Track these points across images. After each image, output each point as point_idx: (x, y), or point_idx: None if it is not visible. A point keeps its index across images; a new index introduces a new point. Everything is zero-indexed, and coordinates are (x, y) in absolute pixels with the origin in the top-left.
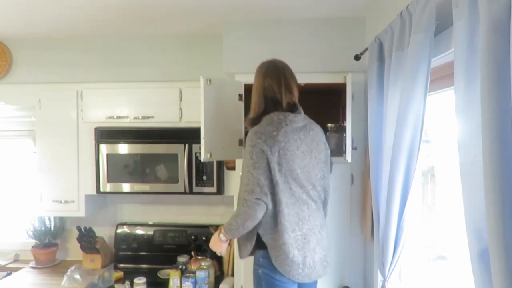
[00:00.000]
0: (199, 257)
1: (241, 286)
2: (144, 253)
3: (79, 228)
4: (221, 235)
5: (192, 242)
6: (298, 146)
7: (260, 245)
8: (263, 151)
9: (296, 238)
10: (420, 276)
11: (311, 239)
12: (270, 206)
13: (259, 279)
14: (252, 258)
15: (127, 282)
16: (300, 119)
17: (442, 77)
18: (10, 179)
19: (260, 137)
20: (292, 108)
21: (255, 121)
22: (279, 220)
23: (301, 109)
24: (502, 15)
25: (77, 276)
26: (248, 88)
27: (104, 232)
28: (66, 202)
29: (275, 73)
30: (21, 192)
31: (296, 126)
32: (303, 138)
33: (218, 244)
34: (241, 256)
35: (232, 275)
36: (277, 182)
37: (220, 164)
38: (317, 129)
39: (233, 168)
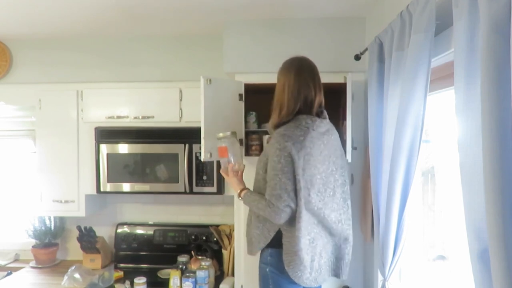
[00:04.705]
0: (199, 257)
1: (241, 286)
2: (144, 253)
3: (79, 228)
4: (240, 193)
5: (192, 242)
6: (321, 152)
7: (269, 243)
8: (291, 155)
9: (306, 243)
10: (420, 276)
11: (318, 243)
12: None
13: (266, 277)
14: (253, 257)
15: (127, 282)
16: (325, 123)
17: (442, 77)
18: (10, 179)
19: (287, 141)
20: (318, 111)
21: (281, 124)
22: (297, 226)
23: (325, 113)
24: (502, 15)
25: (77, 276)
26: (248, 88)
27: (104, 232)
28: (66, 202)
29: (310, 69)
30: (21, 192)
31: (320, 131)
32: (326, 143)
33: (231, 182)
34: (250, 252)
35: (232, 275)
36: (300, 188)
37: (220, 164)
38: (336, 135)
39: None
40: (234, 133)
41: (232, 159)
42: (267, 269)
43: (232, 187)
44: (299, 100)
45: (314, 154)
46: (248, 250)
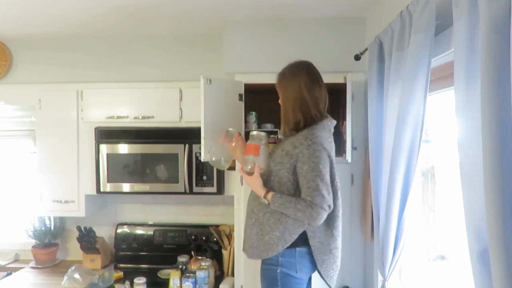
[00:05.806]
0: (199, 257)
1: (241, 286)
2: (144, 253)
3: (79, 228)
4: (266, 196)
5: (192, 242)
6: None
7: None
8: (329, 156)
9: (340, 242)
10: (420, 276)
11: (340, 241)
12: None
13: (274, 279)
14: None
15: (127, 282)
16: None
17: (442, 77)
18: (10, 179)
19: (324, 142)
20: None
21: (305, 126)
22: (335, 225)
23: None
24: (502, 15)
25: (77, 276)
26: (248, 88)
27: (104, 232)
28: (66, 202)
29: (317, 70)
30: (21, 192)
31: (332, 132)
32: (333, 144)
33: (255, 184)
34: (260, 255)
35: (232, 275)
36: (337, 189)
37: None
38: None
39: (233, 168)
40: (267, 136)
41: (260, 160)
42: (278, 271)
43: (254, 189)
44: (321, 100)
45: (332, 156)
46: (255, 254)
